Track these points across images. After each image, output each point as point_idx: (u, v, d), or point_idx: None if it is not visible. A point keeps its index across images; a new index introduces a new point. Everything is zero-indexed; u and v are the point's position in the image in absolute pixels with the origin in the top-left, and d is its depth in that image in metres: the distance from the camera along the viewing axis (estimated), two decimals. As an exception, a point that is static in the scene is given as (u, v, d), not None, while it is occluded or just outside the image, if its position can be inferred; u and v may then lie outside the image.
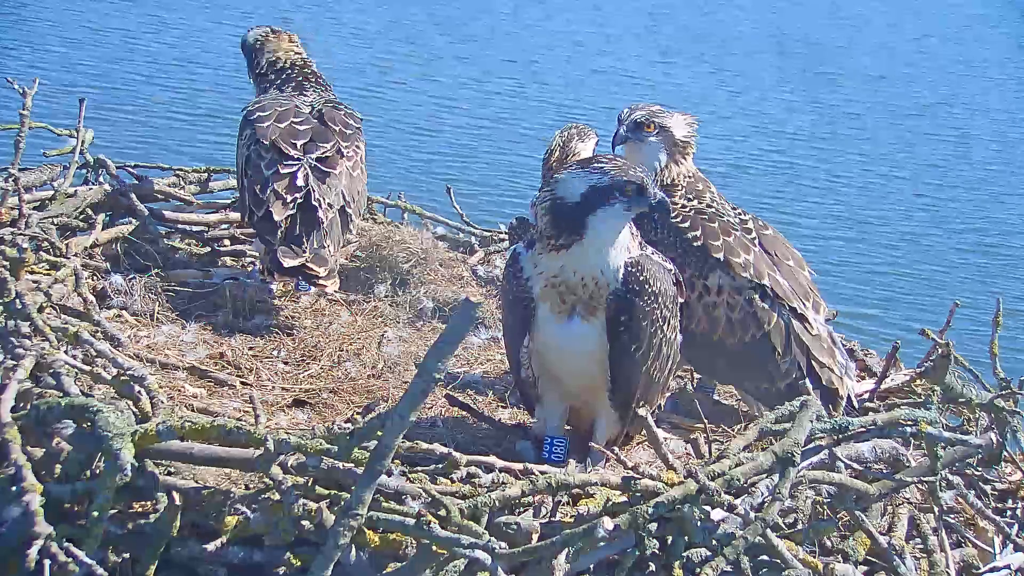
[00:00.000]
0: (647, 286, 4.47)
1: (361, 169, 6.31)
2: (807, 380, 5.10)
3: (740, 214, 5.54)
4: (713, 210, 5.45)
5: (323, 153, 6.10)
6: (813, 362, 5.18)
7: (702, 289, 5.25)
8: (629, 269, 4.47)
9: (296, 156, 6.03)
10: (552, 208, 4.43)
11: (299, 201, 5.92)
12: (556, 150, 5.80)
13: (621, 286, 4.45)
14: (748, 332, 5.21)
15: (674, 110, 5.64)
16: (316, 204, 5.95)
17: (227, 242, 6.95)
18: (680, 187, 5.50)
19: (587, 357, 4.55)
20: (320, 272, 5.82)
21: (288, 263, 5.78)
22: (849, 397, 5.20)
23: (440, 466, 4.06)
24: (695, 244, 5.29)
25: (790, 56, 20.83)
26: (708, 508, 4.04)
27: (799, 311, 5.23)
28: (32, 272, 5.26)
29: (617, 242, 4.47)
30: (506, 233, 7.17)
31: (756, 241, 5.41)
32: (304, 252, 5.84)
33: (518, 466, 4.18)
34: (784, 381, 5.17)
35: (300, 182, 5.96)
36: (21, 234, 5.31)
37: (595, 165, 4.46)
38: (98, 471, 3.88)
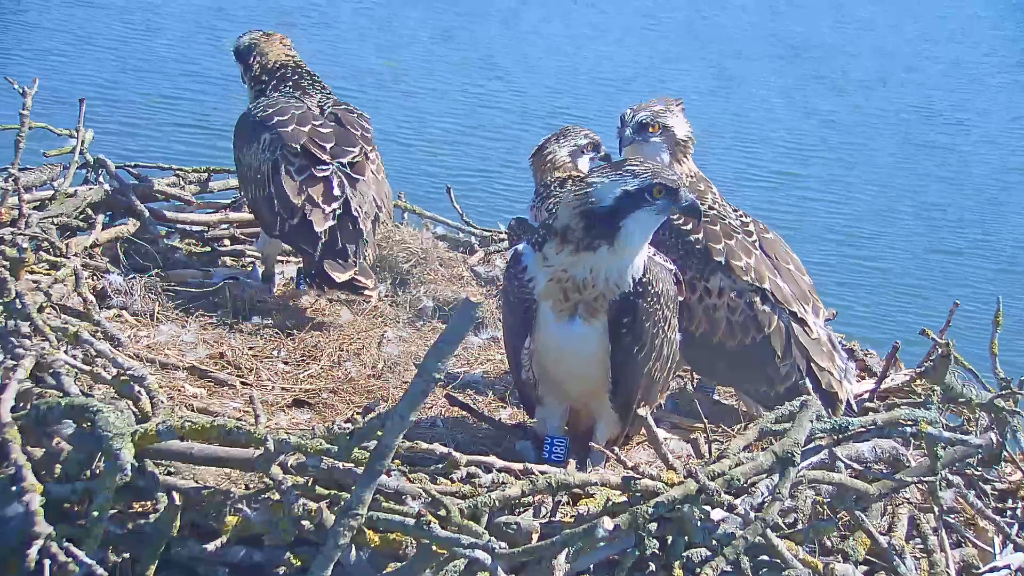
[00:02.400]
0: (650, 288, 4.44)
1: (383, 172, 6.18)
2: (807, 381, 5.11)
3: (741, 216, 5.53)
4: (715, 212, 5.45)
5: (352, 158, 5.96)
6: (812, 365, 5.17)
7: (703, 291, 5.24)
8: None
9: (327, 161, 5.89)
10: (586, 213, 4.35)
11: (338, 212, 5.80)
12: (534, 151, 5.89)
13: (626, 289, 4.42)
14: (748, 335, 5.21)
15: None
16: (356, 214, 5.84)
17: (227, 242, 6.96)
18: (682, 187, 5.49)
19: (588, 358, 4.53)
20: (368, 284, 5.81)
21: (339, 278, 5.72)
22: (848, 401, 5.20)
23: (440, 466, 4.06)
24: (697, 246, 5.29)
25: (790, 60, 20.83)
26: (708, 508, 4.04)
27: (799, 315, 5.23)
28: (32, 272, 5.26)
29: (644, 246, 4.45)
30: (506, 233, 7.17)
31: (757, 244, 5.40)
32: (352, 264, 5.77)
33: (518, 466, 4.18)
34: (784, 384, 5.16)
35: (336, 191, 5.82)
36: (21, 234, 5.30)
37: (626, 169, 4.41)
38: (98, 471, 3.88)
